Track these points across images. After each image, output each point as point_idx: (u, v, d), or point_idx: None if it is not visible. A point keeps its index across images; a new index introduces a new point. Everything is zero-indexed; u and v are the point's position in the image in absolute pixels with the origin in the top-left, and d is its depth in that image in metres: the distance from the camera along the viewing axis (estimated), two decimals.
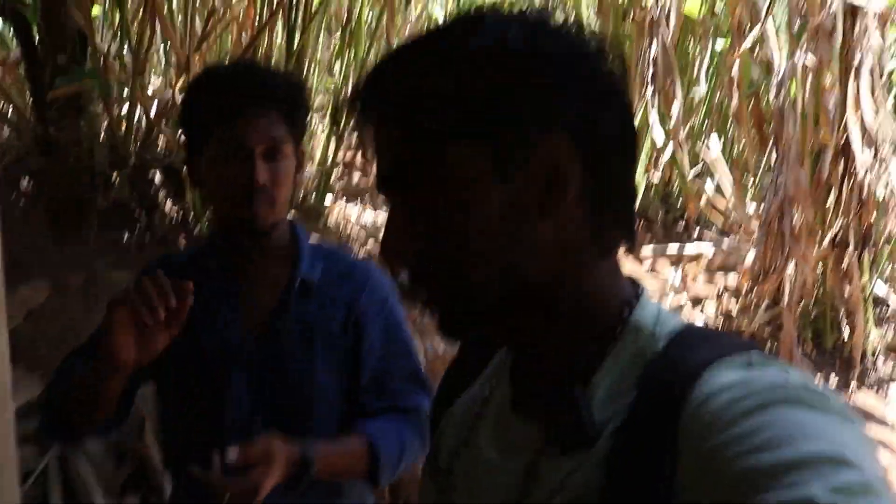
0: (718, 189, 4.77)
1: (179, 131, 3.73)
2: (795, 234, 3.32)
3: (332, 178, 4.43)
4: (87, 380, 1.28)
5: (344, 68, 4.51)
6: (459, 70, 0.62)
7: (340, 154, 4.54)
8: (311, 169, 4.46)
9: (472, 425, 0.76)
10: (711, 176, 4.92)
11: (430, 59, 0.64)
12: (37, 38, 3.48)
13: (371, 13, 4.89)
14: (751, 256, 3.47)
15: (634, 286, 0.71)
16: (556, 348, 0.69)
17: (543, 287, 0.66)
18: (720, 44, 4.87)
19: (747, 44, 3.40)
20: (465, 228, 0.63)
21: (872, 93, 3.24)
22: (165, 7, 3.78)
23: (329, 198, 4.42)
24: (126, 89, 3.74)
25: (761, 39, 3.42)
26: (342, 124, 4.40)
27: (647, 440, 0.60)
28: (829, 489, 0.49)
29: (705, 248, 4.36)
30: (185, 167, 1.51)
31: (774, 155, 3.52)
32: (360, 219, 4.46)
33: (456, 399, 0.82)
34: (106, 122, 3.79)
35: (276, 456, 1.26)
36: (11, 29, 3.72)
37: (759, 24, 3.29)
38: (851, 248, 3.39)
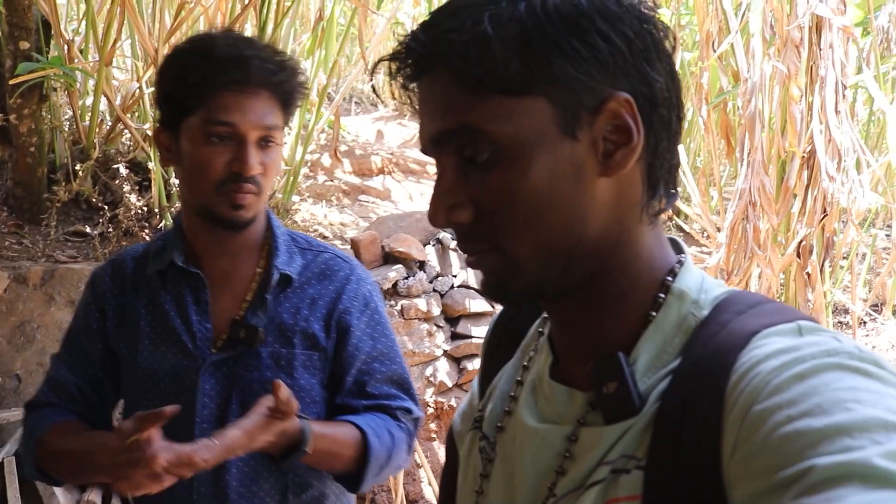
0: (684, 198, 4.84)
1: (151, 117, 3.66)
2: (760, 240, 3.37)
3: (299, 177, 4.38)
4: (85, 461, 1.22)
5: (314, 67, 4.46)
6: (524, 23, 0.61)
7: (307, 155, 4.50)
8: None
9: (514, 395, 0.75)
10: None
11: (495, 11, 0.62)
12: None
13: (342, 12, 4.86)
14: (714, 259, 3.52)
15: (678, 251, 0.70)
16: (599, 314, 0.67)
17: (598, 248, 0.64)
18: (686, 56, 4.96)
19: (721, 49, 3.46)
20: (529, 182, 0.62)
21: (836, 105, 3.32)
22: None
23: (295, 198, 4.38)
24: (91, 80, 3.66)
25: (731, 49, 3.49)
26: (311, 124, 4.38)
27: (693, 405, 0.59)
28: (884, 454, 0.48)
29: None
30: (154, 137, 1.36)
31: (740, 164, 3.58)
32: (326, 218, 4.42)
33: (499, 369, 0.80)
34: (69, 113, 3.70)
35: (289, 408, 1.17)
36: None
37: (732, 34, 3.35)
38: (815, 255, 3.46)
